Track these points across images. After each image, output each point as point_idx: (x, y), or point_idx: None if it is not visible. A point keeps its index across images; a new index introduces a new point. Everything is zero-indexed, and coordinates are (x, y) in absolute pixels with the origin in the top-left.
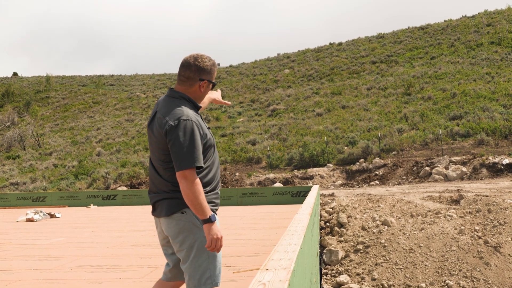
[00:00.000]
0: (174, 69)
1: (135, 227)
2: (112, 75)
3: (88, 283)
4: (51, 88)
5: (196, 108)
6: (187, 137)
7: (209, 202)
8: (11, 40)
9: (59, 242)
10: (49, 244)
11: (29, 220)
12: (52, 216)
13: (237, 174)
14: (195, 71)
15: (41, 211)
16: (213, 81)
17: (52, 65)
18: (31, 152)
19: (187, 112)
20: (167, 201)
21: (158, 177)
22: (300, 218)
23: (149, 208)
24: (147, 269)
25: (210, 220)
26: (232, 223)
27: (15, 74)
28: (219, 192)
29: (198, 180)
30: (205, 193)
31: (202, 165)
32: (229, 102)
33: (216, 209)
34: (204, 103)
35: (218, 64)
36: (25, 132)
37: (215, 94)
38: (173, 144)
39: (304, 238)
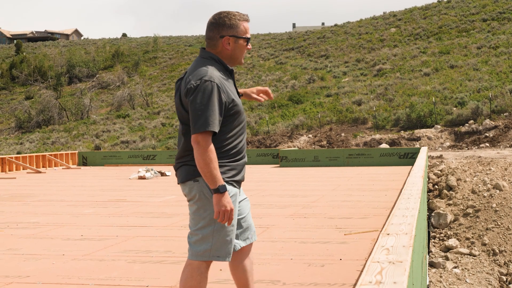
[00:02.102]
0: (279, 28)
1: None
2: None
3: None
4: (159, 48)
5: (226, 70)
6: (205, 99)
7: (230, 171)
8: (119, 1)
9: (171, 200)
10: (162, 201)
11: (141, 178)
12: (162, 174)
13: (342, 134)
14: (214, 29)
15: (152, 169)
16: (242, 35)
17: (158, 25)
18: (140, 111)
19: (211, 73)
20: (184, 168)
21: (180, 142)
22: (414, 181)
23: (259, 167)
24: (259, 229)
25: (218, 191)
26: (340, 184)
27: (124, 35)
28: (243, 164)
29: (211, 147)
30: (227, 162)
31: (216, 130)
32: (261, 99)
33: (237, 181)
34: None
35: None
36: (134, 91)
37: (261, 88)
38: (191, 105)
39: (420, 202)
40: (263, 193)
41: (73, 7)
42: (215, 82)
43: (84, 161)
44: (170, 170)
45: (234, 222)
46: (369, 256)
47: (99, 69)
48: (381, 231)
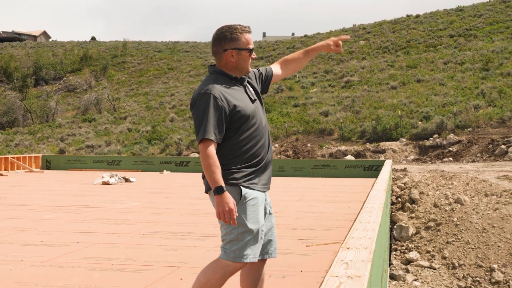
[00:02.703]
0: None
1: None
2: (187, 42)
3: (164, 250)
4: (128, 53)
5: (232, 79)
6: (201, 110)
7: (247, 176)
8: (90, 3)
9: (135, 207)
10: (125, 208)
11: (105, 183)
12: (127, 180)
13: (308, 145)
14: (217, 44)
15: (116, 175)
16: (244, 47)
17: (129, 29)
18: (106, 116)
19: (210, 85)
20: (206, 178)
21: None
22: (376, 194)
23: None
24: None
25: (216, 192)
26: (305, 194)
27: (93, 38)
28: (262, 168)
29: (210, 153)
30: (242, 167)
31: (212, 138)
32: (340, 50)
33: (256, 184)
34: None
35: (264, 34)
36: (101, 96)
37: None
38: (193, 118)
39: (381, 216)
40: None
41: (42, 8)
42: (211, 93)
43: (47, 164)
44: (134, 176)
45: (259, 222)
46: (329, 269)
47: (66, 72)
48: (342, 244)
